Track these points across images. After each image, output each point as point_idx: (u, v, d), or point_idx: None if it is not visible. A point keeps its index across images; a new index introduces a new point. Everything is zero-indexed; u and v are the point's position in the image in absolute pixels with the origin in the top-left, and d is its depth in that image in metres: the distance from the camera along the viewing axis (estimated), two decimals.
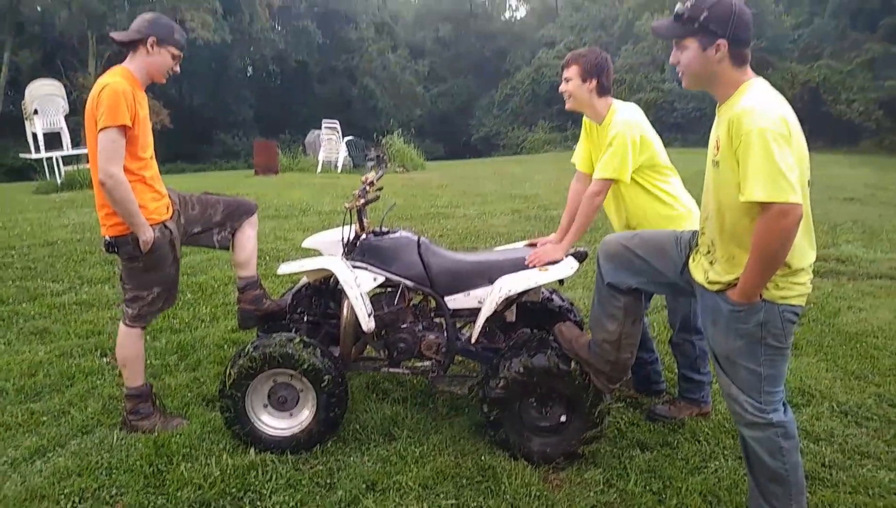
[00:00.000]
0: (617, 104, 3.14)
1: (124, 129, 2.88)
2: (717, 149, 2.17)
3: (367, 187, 3.26)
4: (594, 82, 3.09)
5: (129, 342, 3.17)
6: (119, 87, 2.87)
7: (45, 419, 3.29)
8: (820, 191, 11.32)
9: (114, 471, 2.81)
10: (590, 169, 3.28)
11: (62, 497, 2.64)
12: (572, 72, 3.13)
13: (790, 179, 1.95)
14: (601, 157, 3.07)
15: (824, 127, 27.51)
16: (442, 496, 2.66)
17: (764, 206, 1.98)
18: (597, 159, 3.16)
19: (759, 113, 2.00)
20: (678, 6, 2.21)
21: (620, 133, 2.97)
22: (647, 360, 3.49)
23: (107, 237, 3.05)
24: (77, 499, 2.63)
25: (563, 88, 3.19)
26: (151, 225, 3.01)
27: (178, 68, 3.13)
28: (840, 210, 9.72)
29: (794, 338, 4.21)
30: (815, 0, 30.71)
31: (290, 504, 2.61)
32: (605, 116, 3.13)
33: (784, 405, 2.27)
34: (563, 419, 2.89)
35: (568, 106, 3.24)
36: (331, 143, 16.30)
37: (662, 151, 3.15)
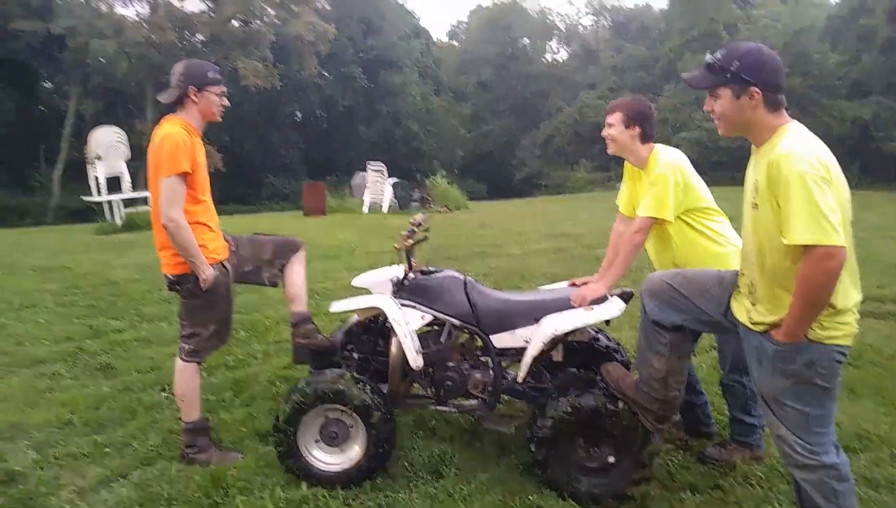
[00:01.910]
0: (660, 148, 3.21)
1: (184, 176, 3.07)
2: (756, 192, 2.20)
3: (416, 228, 3.36)
4: (637, 129, 3.17)
5: (185, 377, 3.30)
6: (179, 137, 3.07)
7: (108, 450, 3.43)
8: (873, 230, 11.04)
9: (173, 502, 2.92)
10: (631, 212, 3.35)
11: None
12: (615, 118, 3.21)
13: (832, 222, 1.98)
14: (644, 197, 3.12)
15: (876, 164, 26.86)
16: None
17: (808, 248, 2.00)
18: (639, 202, 3.22)
19: (798, 157, 2.04)
20: (708, 56, 2.27)
21: (662, 174, 3.03)
22: (695, 403, 3.46)
23: (169, 276, 3.22)
24: None
25: (605, 132, 3.28)
26: (211, 264, 3.17)
27: (226, 101, 3.30)
28: (894, 249, 9.43)
29: (850, 382, 4.15)
30: (862, 37, 30.26)
31: None
32: (648, 160, 3.19)
33: (836, 446, 2.24)
34: (611, 459, 2.89)
35: (610, 151, 3.32)
36: (377, 184, 16.67)
37: (708, 194, 3.18)
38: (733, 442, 3.30)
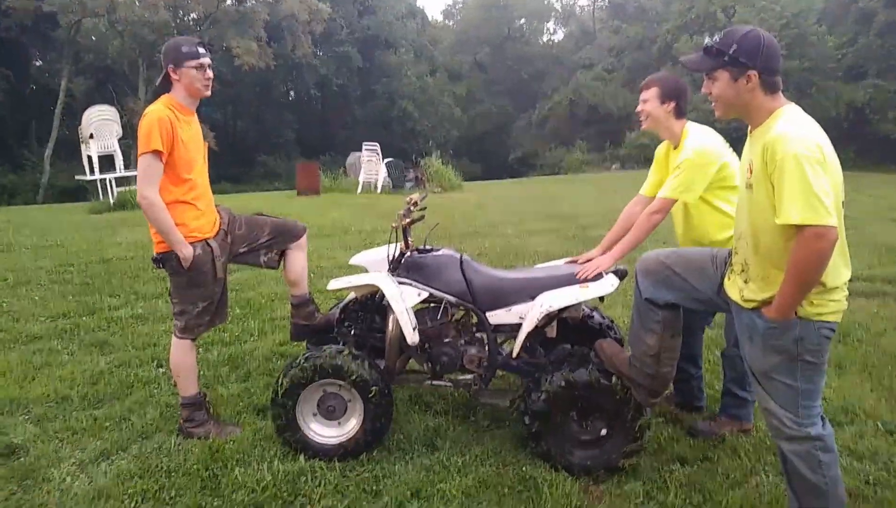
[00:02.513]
0: (691, 127, 3.20)
1: (158, 154, 3.04)
2: (751, 172, 2.24)
3: (412, 207, 3.39)
4: (672, 105, 3.17)
5: (180, 353, 3.33)
6: (156, 114, 3.05)
7: (107, 424, 3.47)
8: (867, 211, 11.13)
9: (172, 474, 2.96)
10: (654, 194, 3.30)
11: (126, 497, 2.79)
12: (651, 93, 3.21)
13: (825, 203, 2.01)
14: (668, 178, 3.12)
15: (871, 146, 26.92)
16: (484, 504, 2.74)
17: (800, 228, 2.04)
18: (664, 181, 3.20)
19: (793, 139, 2.07)
20: (707, 40, 2.31)
21: (689, 159, 3.01)
22: (692, 375, 3.53)
23: (154, 254, 3.24)
24: (139, 499, 2.78)
25: (640, 108, 3.28)
26: (192, 242, 3.17)
27: (210, 73, 3.21)
28: (887, 230, 9.51)
29: (837, 358, 4.23)
30: (859, 20, 30.15)
31: None
32: (680, 137, 3.19)
33: (822, 418, 2.31)
34: (603, 432, 2.95)
35: (644, 126, 3.32)
36: (371, 164, 16.61)
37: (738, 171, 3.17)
38: (723, 416, 3.36)
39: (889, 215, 11.22)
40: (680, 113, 3.20)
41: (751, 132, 2.33)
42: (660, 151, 3.40)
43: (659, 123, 3.24)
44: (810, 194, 2.01)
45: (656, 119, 3.23)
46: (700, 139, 3.11)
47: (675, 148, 3.23)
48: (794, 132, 2.10)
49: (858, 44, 29.87)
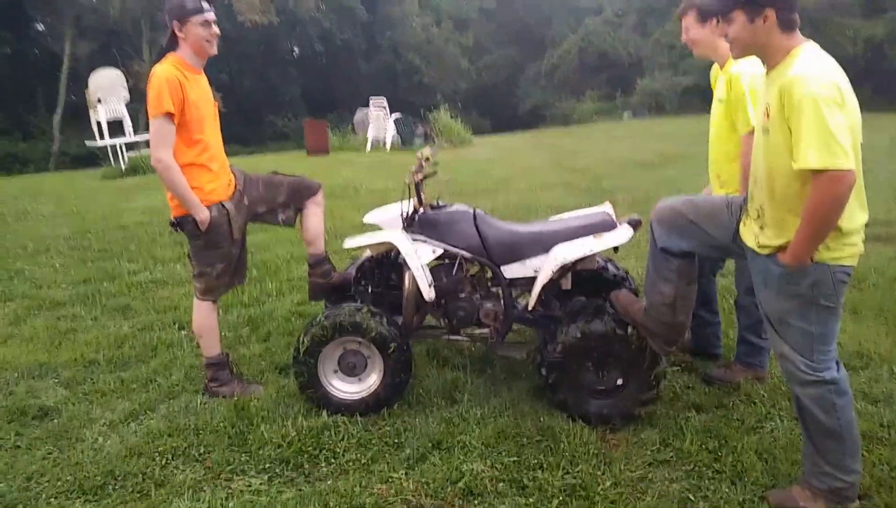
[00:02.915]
0: None
1: (170, 116, 3.02)
2: (767, 116, 2.19)
3: (424, 163, 3.38)
4: (713, 22, 3.02)
5: (202, 314, 3.39)
6: (164, 74, 3.01)
7: (134, 386, 3.57)
8: (883, 152, 10.92)
9: (200, 432, 3.06)
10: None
11: (157, 454, 2.89)
12: (689, 19, 3.11)
13: (843, 145, 1.97)
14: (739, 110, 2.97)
15: (889, 85, 26.22)
16: (504, 454, 2.81)
17: (817, 172, 2.01)
18: (732, 111, 3.03)
19: (810, 79, 2.02)
20: None
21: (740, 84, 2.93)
22: (708, 321, 3.56)
23: (172, 218, 3.26)
24: (170, 456, 2.88)
25: (684, 37, 3.18)
26: (208, 205, 3.18)
27: (215, 29, 3.15)
28: None
29: (853, 303, 4.23)
30: None
31: (363, 462, 2.80)
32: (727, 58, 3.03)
33: (837, 362, 2.32)
34: (619, 382, 3.00)
35: (695, 54, 3.22)
36: (379, 120, 16.46)
37: None
38: (738, 363, 3.40)
39: None
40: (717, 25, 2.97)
41: (767, 73, 2.27)
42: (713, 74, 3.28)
43: (708, 47, 3.12)
44: (828, 137, 1.97)
45: (704, 43, 3.12)
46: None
47: (722, 68, 3.10)
48: (811, 73, 2.04)
49: None
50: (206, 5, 3.10)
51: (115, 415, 3.25)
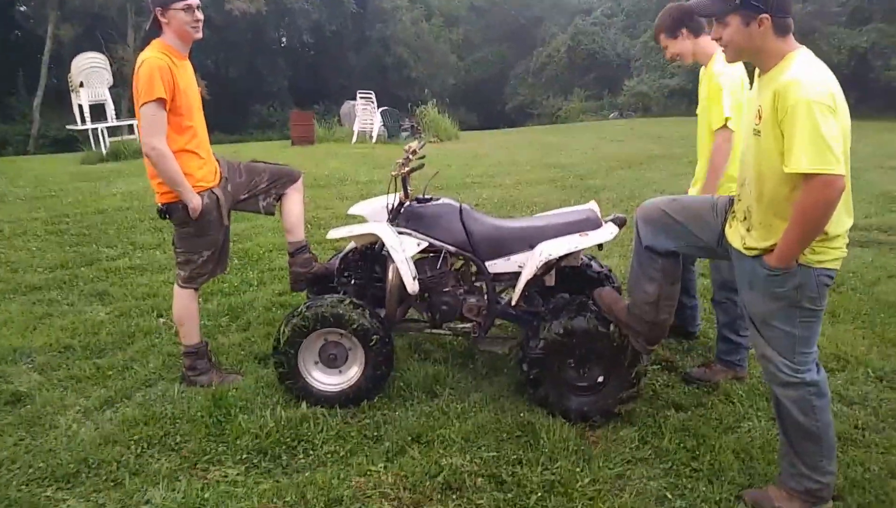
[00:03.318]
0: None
1: (162, 102, 2.98)
2: (759, 118, 2.18)
3: (411, 156, 3.36)
4: (684, 30, 3.23)
5: (183, 302, 3.35)
6: (154, 61, 2.97)
7: (110, 373, 3.52)
8: (867, 159, 11.07)
9: (177, 421, 3.02)
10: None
11: (132, 442, 2.85)
12: (663, 40, 3.29)
13: (835, 151, 1.98)
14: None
15: (873, 93, 26.59)
16: (483, 448, 2.80)
17: (808, 177, 2.01)
18: (708, 107, 3.18)
19: (805, 85, 2.02)
20: None
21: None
22: (686, 304, 3.62)
23: (159, 204, 3.21)
24: (146, 445, 2.84)
25: (668, 56, 3.35)
26: (199, 192, 3.15)
27: (199, 15, 3.11)
28: (885, 179, 9.48)
29: (831, 306, 4.27)
30: None
31: (341, 454, 2.78)
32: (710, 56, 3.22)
33: (817, 364, 2.34)
34: (600, 379, 3.00)
35: (687, 63, 3.38)
36: (366, 113, 16.40)
37: None
38: (718, 362, 3.42)
39: (887, 163, 11.16)
40: (696, 31, 3.22)
41: (759, 76, 2.27)
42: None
43: (690, 54, 3.29)
44: (820, 142, 1.98)
45: (685, 53, 3.28)
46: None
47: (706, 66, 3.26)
48: (806, 78, 2.04)
49: None
50: None
51: (90, 402, 3.20)
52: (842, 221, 2.19)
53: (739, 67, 3.16)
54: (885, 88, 26.54)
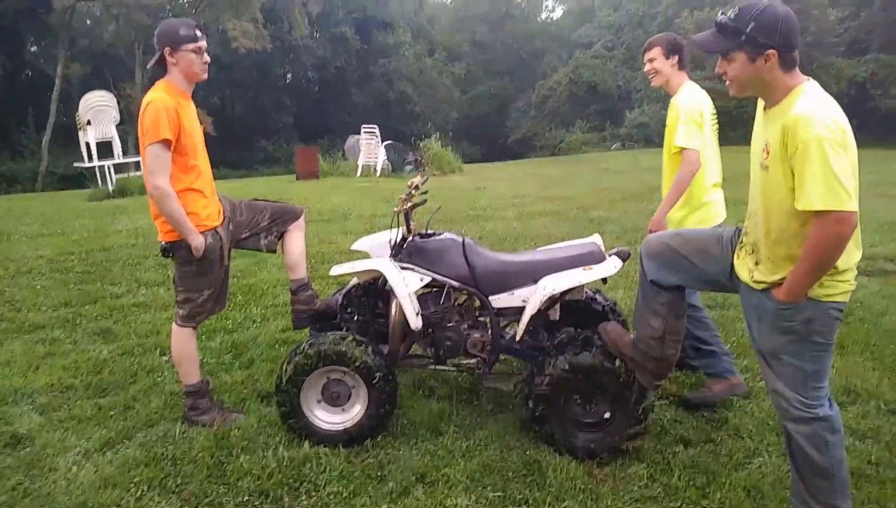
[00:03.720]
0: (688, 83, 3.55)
1: (167, 143, 3.01)
2: (767, 153, 2.16)
3: (413, 191, 3.37)
4: (676, 58, 3.51)
5: (182, 341, 3.33)
6: (161, 102, 3.00)
7: (112, 413, 3.48)
8: (868, 187, 11.06)
9: (178, 462, 2.97)
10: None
11: (132, 485, 2.80)
12: (656, 52, 3.52)
13: (847, 188, 1.97)
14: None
15: (873, 122, 26.78)
16: (489, 488, 2.75)
17: (820, 213, 1.99)
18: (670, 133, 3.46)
19: (815, 120, 1.99)
20: (720, 16, 2.19)
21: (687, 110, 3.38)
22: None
23: (163, 243, 3.21)
24: (146, 487, 2.79)
25: (647, 67, 3.58)
26: (203, 231, 3.16)
27: (207, 57, 3.16)
28: (889, 207, 9.49)
29: (840, 337, 4.21)
30: None
31: (344, 495, 2.72)
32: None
33: (829, 399, 2.30)
34: (607, 415, 2.95)
35: (654, 83, 3.62)
36: (370, 147, 16.55)
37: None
38: (708, 379, 3.44)
39: (889, 191, 11.19)
40: (682, 65, 3.52)
41: (766, 110, 2.25)
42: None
43: (664, 78, 3.53)
44: (832, 179, 1.96)
45: (663, 74, 3.52)
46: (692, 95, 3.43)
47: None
48: (815, 114, 2.01)
49: (861, 18, 29.60)
50: (199, 33, 3.12)
51: (91, 443, 3.16)
52: (852, 255, 2.17)
53: (702, 94, 3.46)
54: (884, 117, 26.75)
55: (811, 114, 2.02)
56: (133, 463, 2.96)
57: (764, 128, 2.23)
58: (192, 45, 3.08)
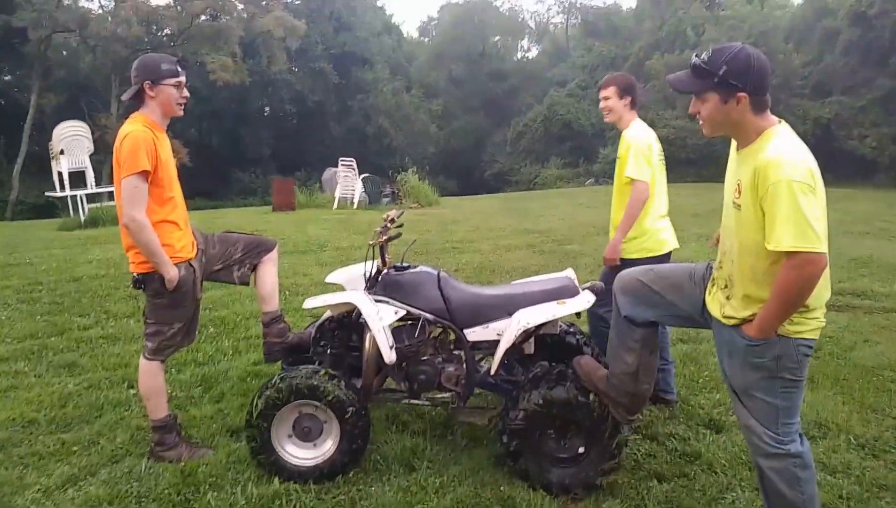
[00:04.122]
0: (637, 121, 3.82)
1: (145, 174, 3.01)
2: (739, 193, 2.21)
3: (389, 224, 3.37)
4: (629, 99, 3.78)
5: (149, 375, 3.26)
6: (139, 134, 3.00)
7: (75, 448, 3.38)
8: (835, 225, 11.30)
9: (143, 500, 2.89)
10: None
11: None
12: (610, 91, 3.78)
13: (816, 230, 2.02)
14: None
15: (837, 162, 27.56)
16: None
17: (791, 254, 2.04)
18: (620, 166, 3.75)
19: (785, 164, 2.04)
20: (694, 58, 2.24)
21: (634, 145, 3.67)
22: (660, 367, 3.59)
23: (135, 274, 3.17)
24: None
25: (602, 105, 3.84)
26: (177, 263, 3.13)
27: (186, 93, 3.20)
28: (855, 245, 9.73)
29: (810, 372, 4.26)
30: (825, 39, 31.00)
31: None
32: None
33: (800, 435, 2.32)
34: (581, 450, 2.94)
35: (607, 119, 3.88)
36: (347, 180, 16.56)
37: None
38: None
39: (855, 228, 11.48)
40: (633, 105, 3.79)
41: (738, 150, 2.30)
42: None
43: (616, 115, 3.79)
44: (802, 221, 2.00)
45: (616, 112, 3.77)
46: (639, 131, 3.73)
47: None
48: (785, 157, 2.07)
49: (824, 62, 30.71)
50: (179, 68, 3.15)
51: (52, 480, 3.05)
52: (821, 294, 2.21)
53: (648, 131, 3.74)
54: (848, 157, 27.59)
55: (780, 156, 2.07)
56: (96, 501, 2.88)
57: (736, 168, 2.28)
58: (173, 80, 3.12)
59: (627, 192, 3.62)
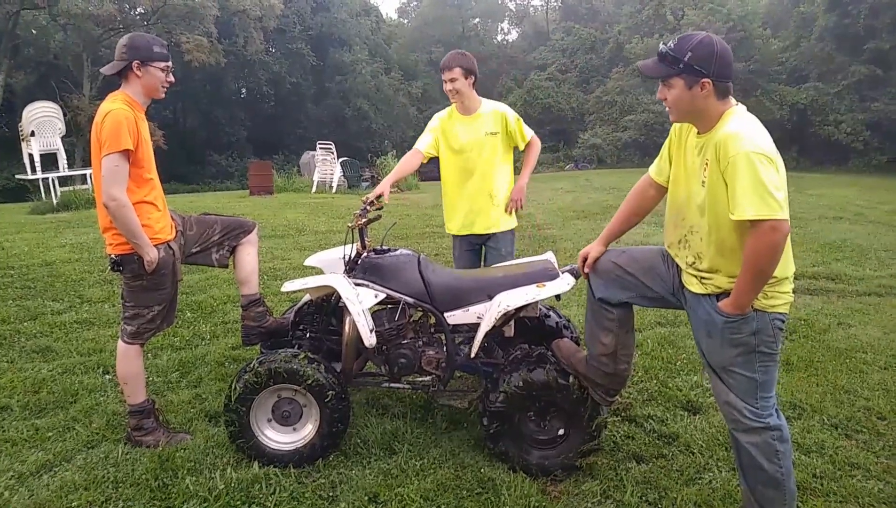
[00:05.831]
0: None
1: (127, 153, 2.95)
2: (705, 170, 2.28)
3: (368, 207, 3.35)
4: (472, 79, 3.96)
5: (128, 359, 3.22)
6: (121, 112, 2.95)
7: (50, 434, 3.32)
8: (809, 210, 11.53)
9: (120, 485, 2.85)
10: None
11: None
12: (456, 72, 3.92)
13: (777, 198, 2.08)
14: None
15: (813, 148, 28.00)
16: (443, 507, 2.71)
17: (755, 223, 2.10)
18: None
19: (744, 137, 2.13)
20: (661, 46, 2.33)
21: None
22: None
23: (112, 256, 3.11)
24: None
25: (449, 88, 4.00)
26: (157, 244, 3.08)
27: (171, 77, 3.18)
28: (829, 229, 9.88)
29: (785, 354, 4.35)
30: (802, 24, 31.29)
31: None
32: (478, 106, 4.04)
33: (777, 410, 2.38)
34: (561, 432, 2.96)
35: (453, 100, 4.12)
36: (326, 163, 16.44)
37: None
38: None
39: (830, 213, 11.65)
40: (473, 84, 3.95)
41: (699, 135, 2.36)
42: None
43: (465, 96, 3.95)
44: (762, 190, 2.07)
45: (463, 93, 3.92)
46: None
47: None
48: (744, 131, 2.16)
49: (801, 48, 30.99)
50: (167, 53, 3.15)
51: (26, 466, 3.00)
52: (787, 264, 2.29)
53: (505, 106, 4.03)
54: (823, 142, 27.96)
55: (740, 131, 2.16)
56: (72, 487, 2.84)
57: (700, 149, 2.34)
58: (162, 64, 3.10)
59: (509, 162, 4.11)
